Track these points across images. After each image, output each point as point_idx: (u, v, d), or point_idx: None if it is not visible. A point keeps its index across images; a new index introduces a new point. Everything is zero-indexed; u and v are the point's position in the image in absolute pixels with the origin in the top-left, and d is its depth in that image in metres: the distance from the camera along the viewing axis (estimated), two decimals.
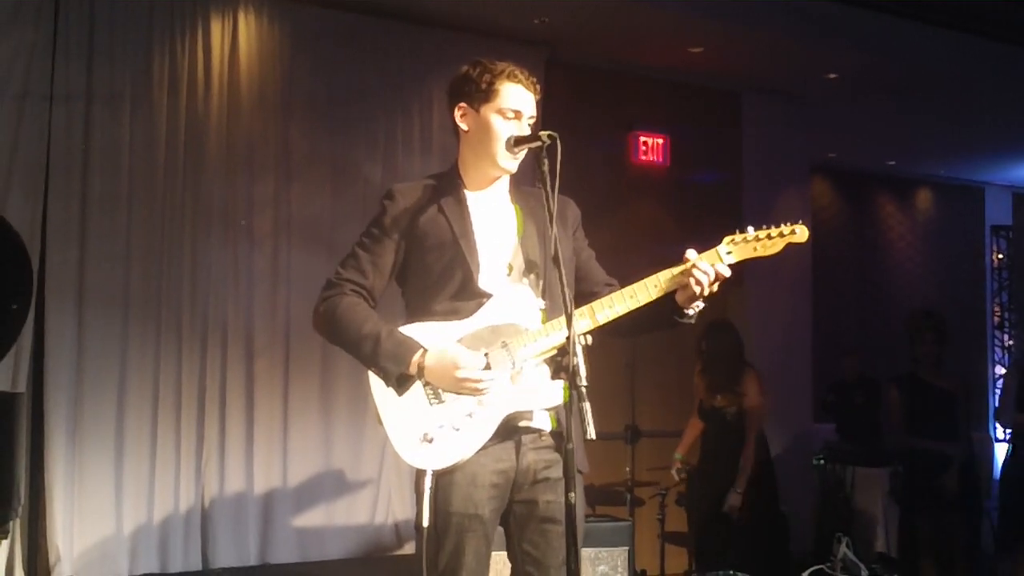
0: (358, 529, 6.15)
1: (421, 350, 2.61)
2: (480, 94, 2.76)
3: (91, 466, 5.48)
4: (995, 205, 11.69)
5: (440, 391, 2.63)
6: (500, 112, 2.75)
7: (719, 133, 7.87)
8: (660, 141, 7.53)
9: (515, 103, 2.76)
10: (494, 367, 2.61)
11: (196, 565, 5.69)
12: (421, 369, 2.60)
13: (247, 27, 6.07)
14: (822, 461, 7.78)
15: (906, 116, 8.76)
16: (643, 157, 7.50)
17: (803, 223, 2.69)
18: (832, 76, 7.65)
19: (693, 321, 2.72)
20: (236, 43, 6.03)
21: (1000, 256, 11.68)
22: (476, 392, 2.58)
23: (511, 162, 2.77)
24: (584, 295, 2.74)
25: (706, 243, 2.70)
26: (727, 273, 2.63)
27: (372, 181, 6.26)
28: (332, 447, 6.13)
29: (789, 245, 2.68)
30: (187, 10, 5.90)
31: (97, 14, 5.61)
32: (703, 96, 7.80)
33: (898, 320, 10.27)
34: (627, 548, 4.95)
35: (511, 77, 2.77)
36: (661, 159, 7.55)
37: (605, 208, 6.93)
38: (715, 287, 2.62)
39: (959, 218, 11.45)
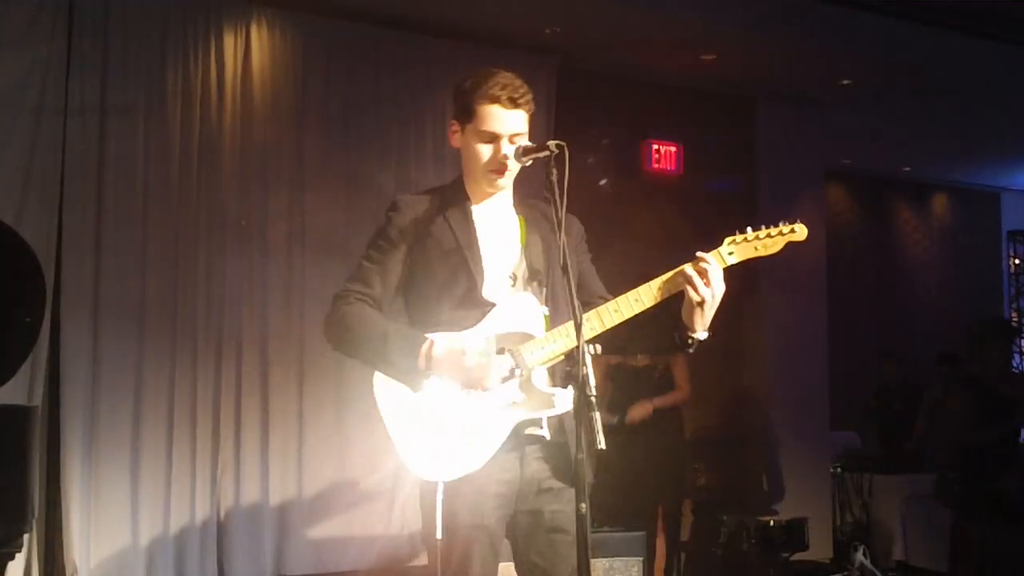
0: (373, 540, 6.14)
1: (429, 341, 2.61)
2: (464, 115, 2.81)
3: (107, 478, 5.49)
4: (1011, 210, 11.63)
5: (447, 402, 2.61)
6: (477, 134, 2.77)
7: (733, 140, 7.84)
8: (673, 149, 7.52)
9: (490, 125, 2.75)
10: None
11: None
12: (430, 360, 2.58)
13: (260, 39, 6.09)
14: (839, 469, 7.75)
15: (921, 121, 8.72)
16: (656, 165, 7.48)
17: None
18: (846, 82, 7.62)
19: (702, 339, 2.73)
20: (249, 55, 6.05)
21: (1017, 261, 11.61)
22: (484, 383, 2.57)
23: (489, 186, 2.79)
24: (581, 304, 2.73)
25: None
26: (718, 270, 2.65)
27: (385, 191, 6.26)
28: (347, 457, 6.12)
29: (789, 243, 2.74)
30: (200, 23, 5.93)
31: (111, 28, 5.65)
32: (716, 103, 7.77)
33: (913, 326, 10.32)
34: (641, 558, 4.94)
35: (489, 99, 2.75)
36: (674, 167, 7.53)
37: (618, 216, 6.92)
38: (715, 288, 2.62)
39: (975, 223, 11.38)
